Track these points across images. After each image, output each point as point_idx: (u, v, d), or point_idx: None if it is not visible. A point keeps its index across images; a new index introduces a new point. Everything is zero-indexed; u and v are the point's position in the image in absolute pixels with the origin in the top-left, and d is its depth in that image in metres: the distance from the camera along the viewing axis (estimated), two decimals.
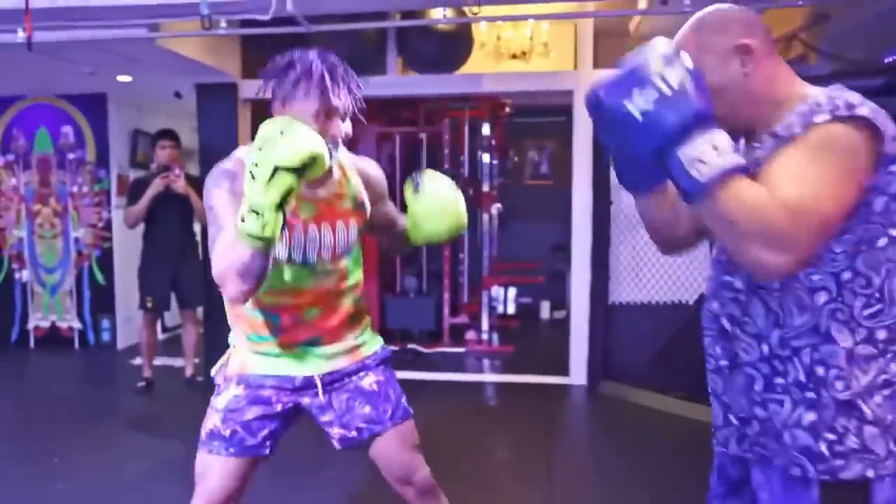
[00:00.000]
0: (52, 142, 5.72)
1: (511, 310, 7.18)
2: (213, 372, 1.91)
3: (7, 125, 5.76)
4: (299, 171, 1.47)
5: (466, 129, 6.20)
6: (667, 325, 4.49)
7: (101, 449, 3.62)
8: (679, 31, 1.35)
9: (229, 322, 1.90)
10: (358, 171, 1.89)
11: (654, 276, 4.64)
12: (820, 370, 1.23)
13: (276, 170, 1.44)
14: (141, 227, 4.62)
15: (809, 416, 1.24)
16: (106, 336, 5.80)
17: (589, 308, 4.77)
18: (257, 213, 1.47)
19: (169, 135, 4.60)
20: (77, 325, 5.81)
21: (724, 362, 1.36)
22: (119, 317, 5.79)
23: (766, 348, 1.28)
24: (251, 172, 1.47)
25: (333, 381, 1.87)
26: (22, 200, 5.79)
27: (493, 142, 6.15)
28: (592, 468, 3.57)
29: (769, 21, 4.54)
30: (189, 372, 4.67)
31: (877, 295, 1.22)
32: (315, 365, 1.85)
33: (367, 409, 1.87)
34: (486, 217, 6.22)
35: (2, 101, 5.73)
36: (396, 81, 5.07)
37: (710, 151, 1.11)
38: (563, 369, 4.92)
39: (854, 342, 1.22)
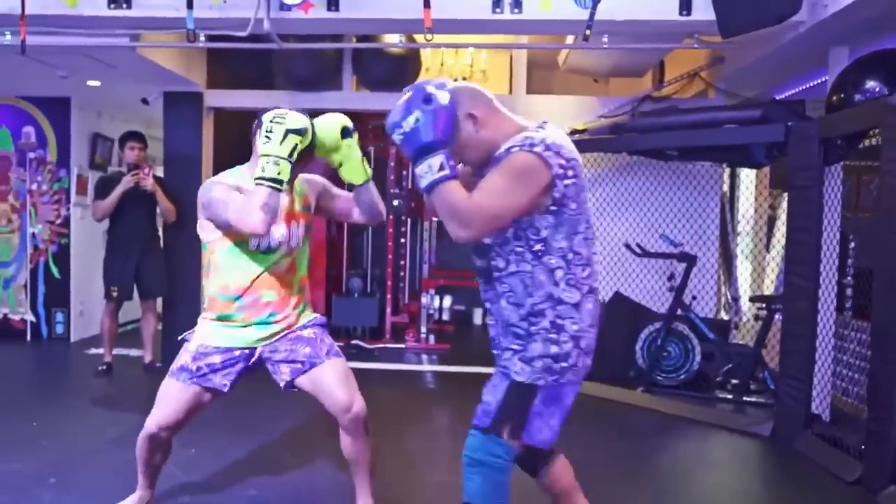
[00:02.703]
0: (13, 141, 5.96)
1: (446, 316, 7.70)
2: (184, 335, 2.49)
3: None
4: (301, 133, 2.18)
5: None
6: None
7: (77, 416, 3.94)
8: None
9: (204, 307, 2.47)
10: (305, 181, 2.52)
11: None
12: (559, 321, 1.84)
13: (287, 132, 2.15)
14: (104, 222, 4.95)
15: (554, 349, 1.83)
16: (59, 329, 6.01)
17: None
18: (276, 162, 2.14)
19: (137, 136, 4.95)
20: (30, 317, 6.01)
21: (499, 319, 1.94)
22: (73, 310, 6.02)
23: (523, 311, 1.85)
24: (267, 136, 2.16)
25: (277, 340, 2.43)
26: None
27: None
28: None
29: (676, 60, 5.29)
30: (148, 358, 4.98)
31: (586, 262, 1.87)
32: (261, 341, 2.42)
33: (308, 349, 2.42)
34: (426, 227, 6.75)
35: None
36: (350, 97, 5.57)
37: (426, 170, 1.73)
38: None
39: (580, 297, 1.85)
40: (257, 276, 2.38)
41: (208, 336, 2.42)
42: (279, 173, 2.14)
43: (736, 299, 5.72)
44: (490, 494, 1.87)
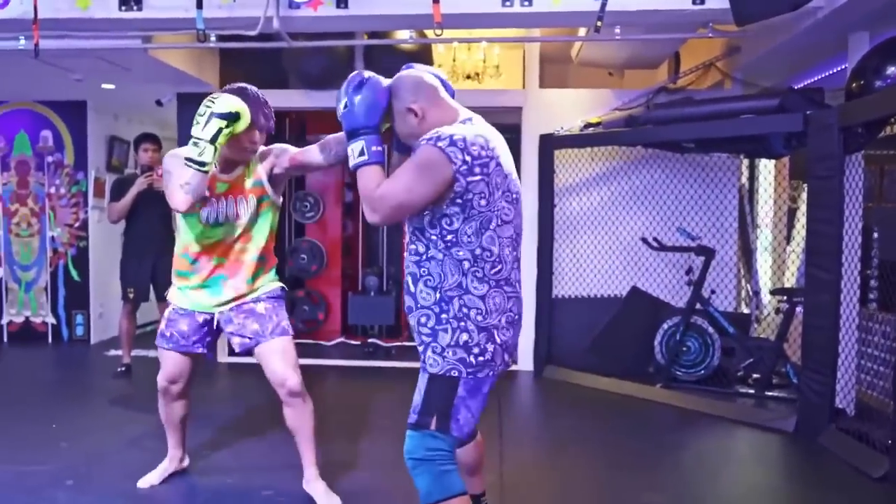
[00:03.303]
0: (31, 145, 6.02)
1: None
2: (166, 293, 2.83)
3: None
4: (226, 117, 2.33)
5: None
6: (602, 315, 5.05)
7: (96, 417, 3.96)
8: None
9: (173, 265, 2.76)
10: (258, 155, 2.65)
11: (592, 273, 5.21)
12: (465, 310, 1.88)
13: (211, 116, 2.32)
14: (121, 225, 4.98)
15: (463, 337, 1.87)
16: (79, 331, 6.08)
17: (535, 302, 5.29)
18: (197, 144, 2.32)
19: (151, 138, 4.97)
20: (51, 320, 6.08)
21: (410, 304, 1.99)
22: (93, 312, 6.08)
23: (437, 295, 1.90)
24: (196, 120, 2.34)
25: (231, 309, 2.68)
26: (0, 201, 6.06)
27: None
28: (537, 429, 4.08)
29: (691, 50, 5.21)
30: None
31: (496, 258, 1.89)
32: (217, 307, 2.68)
33: (256, 325, 2.67)
34: None
35: None
36: None
37: (355, 153, 1.90)
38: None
39: (487, 290, 1.88)
40: (210, 244, 2.61)
41: (174, 297, 2.74)
42: (200, 155, 2.32)
43: (756, 292, 5.63)
44: (440, 486, 1.89)
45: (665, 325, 4.81)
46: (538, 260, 5.24)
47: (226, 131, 2.34)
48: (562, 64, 6.25)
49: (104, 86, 5.29)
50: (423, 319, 1.93)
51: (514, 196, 1.94)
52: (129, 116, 6.44)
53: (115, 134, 6.32)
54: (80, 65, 4.60)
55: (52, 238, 6.05)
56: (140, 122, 6.42)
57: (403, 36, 4.59)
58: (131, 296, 4.88)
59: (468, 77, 6.53)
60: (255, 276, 2.69)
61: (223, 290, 2.66)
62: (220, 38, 4.14)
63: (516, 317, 1.95)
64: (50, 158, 6.03)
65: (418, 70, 2.02)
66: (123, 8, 3.82)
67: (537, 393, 4.96)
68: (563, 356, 5.15)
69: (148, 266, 4.88)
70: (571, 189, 5.28)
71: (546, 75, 5.86)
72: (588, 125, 5.06)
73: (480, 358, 1.87)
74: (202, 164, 2.33)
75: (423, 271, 1.92)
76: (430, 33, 4.75)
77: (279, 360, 2.65)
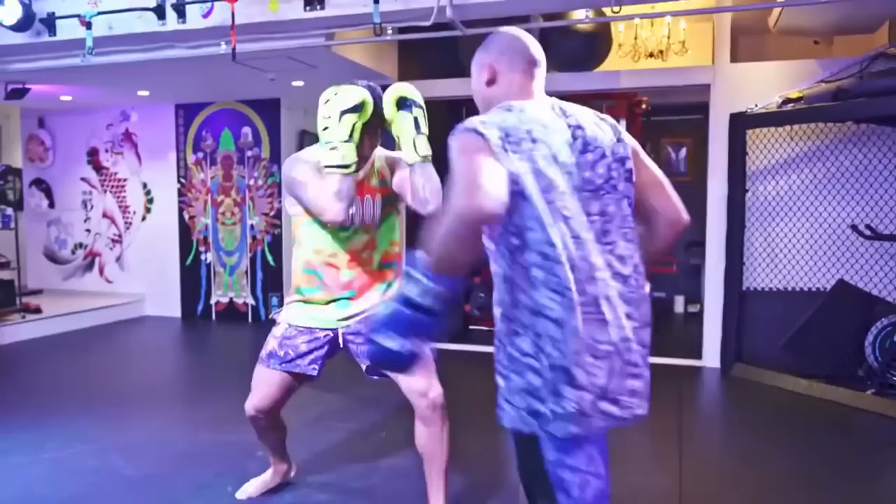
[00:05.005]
0: (234, 141, 6.59)
1: None
2: (272, 315, 2.54)
3: (198, 128, 6.70)
4: (356, 110, 2.14)
5: None
6: (800, 310, 4.55)
7: None
8: None
9: (292, 282, 2.47)
10: (386, 158, 2.42)
11: (789, 264, 4.71)
12: (538, 341, 1.40)
13: (342, 113, 2.13)
14: None
15: (532, 380, 1.41)
16: (274, 311, 6.57)
17: (723, 294, 4.90)
18: (336, 148, 2.13)
19: None
20: (251, 301, 6.65)
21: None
22: (285, 295, 6.53)
23: (506, 325, 1.45)
24: (323, 124, 2.15)
25: (360, 322, 2.35)
26: (208, 192, 6.71)
27: None
28: (723, 433, 3.76)
29: None
30: None
31: (566, 263, 1.38)
32: (342, 321, 2.38)
33: None
34: None
35: (194, 107, 6.68)
36: None
37: (417, 289, 1.32)
38: (697, 353, 5.08)
39: (563, 311, 1.37)
40: (335, 253, 2.35)
41: (292, 317, 2.43)
42: (343, 158, 2.14)
43: None
44: None
45: (879, 324, 4.24)
46: (727, 249, 4.84)
47: (358, 125, 2.17)
48: (758, 34, 5.69)
49: (294, 83, 5.63)
50: (498, 355, 1.50)
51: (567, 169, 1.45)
52: (317, 111, 6.82)
53: (305, 128, 6.73)
54: (272, 65, 4.92)
55: (252, 226, 6.60)
56: None
57: (579, 16, 4.41)
58: None
59: (651, 55, 6.16)
60: (387, 285, 2.42)
61: (350, 304, 2.38)
62: (399, 31, 4.22)
63: (611, 349, 1.41)
64: (249, 153, 6.57)
65: (521, 34, 1.63)
66: (308, 8, 4.01)
67: (724, 392, 4.59)
68: (755, 354, 4.72)
69: None
70: (766, 172, 4.80)
71: (740, 48, 5.38)
72: (787, 101, 4.57)
73: (555, 408, 1.39)
74: (347, 165, 2.14)
75: (495, 294, 1.49)
76: (607, 11, 4.54)
77: (419, 367, 2.32)
